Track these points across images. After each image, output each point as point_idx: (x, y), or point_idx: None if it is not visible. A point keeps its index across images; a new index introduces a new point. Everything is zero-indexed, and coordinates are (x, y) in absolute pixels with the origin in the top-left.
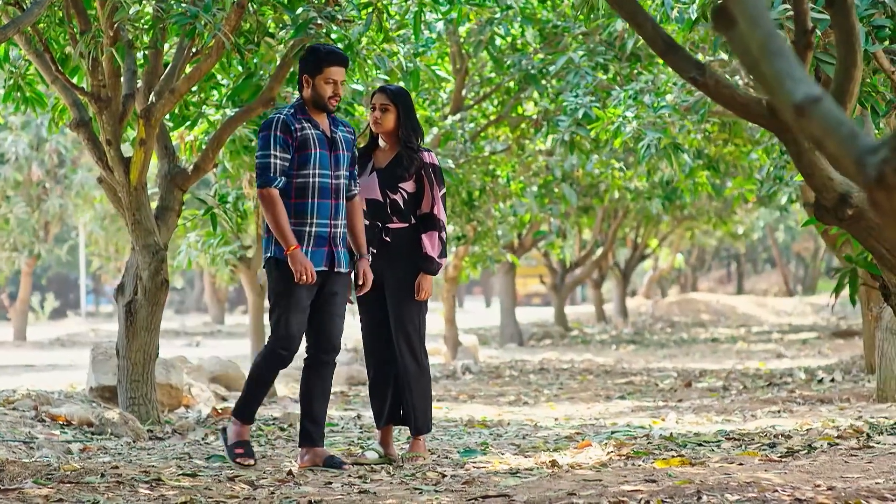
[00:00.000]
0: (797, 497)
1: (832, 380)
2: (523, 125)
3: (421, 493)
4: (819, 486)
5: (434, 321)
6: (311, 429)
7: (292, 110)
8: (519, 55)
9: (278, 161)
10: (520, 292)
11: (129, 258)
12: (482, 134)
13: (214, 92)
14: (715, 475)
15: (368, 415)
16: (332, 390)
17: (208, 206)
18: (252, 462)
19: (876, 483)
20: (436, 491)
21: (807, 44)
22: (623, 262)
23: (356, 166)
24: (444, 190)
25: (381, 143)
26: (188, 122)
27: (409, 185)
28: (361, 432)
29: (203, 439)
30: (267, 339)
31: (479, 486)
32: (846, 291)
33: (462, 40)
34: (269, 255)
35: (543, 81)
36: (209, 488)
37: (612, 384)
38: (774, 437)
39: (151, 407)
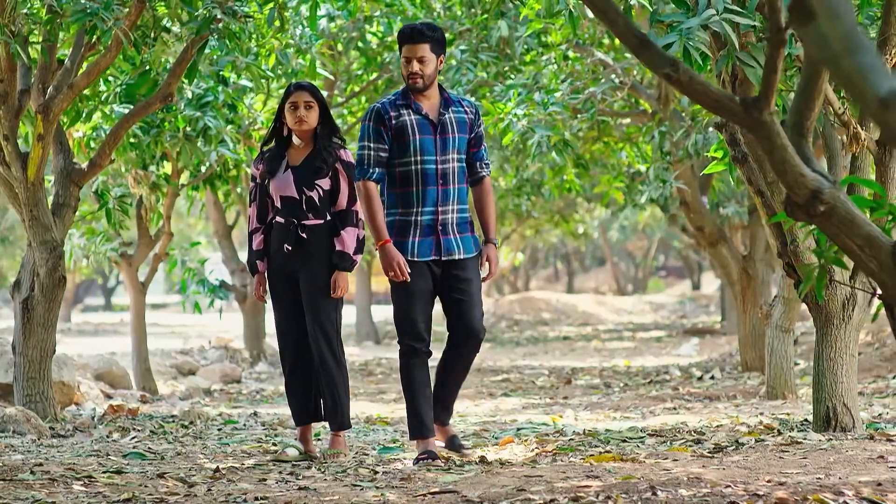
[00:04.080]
0: (754, 492)
1: (712, 377)
2: None
3: (363, 489)
4: (770, 481)
5: None
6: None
7: (394, 97)
8: (392, 53)
9: (373, 152)
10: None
11: (25, 254)
12: (350, 132)
13: (103, 87)
14: (654, 471)
15: (265, 412)
16: (213, 388)
17: (104, 202)
18: (436, 460)
19: (817, 479)
20: (377, 487)
21: (780, 41)
22: None
23: (481, 146)
24: None
25: (296, 140)
26: (83, 118)
27: (324, 182)
28: (265, 429)
29: (108, 437)
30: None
31: (419, 482)
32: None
33: (334, 37)
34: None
35: None
36: (143, 485)
37: (490, 382)
38: (688, 433)
39: (48, 404)
